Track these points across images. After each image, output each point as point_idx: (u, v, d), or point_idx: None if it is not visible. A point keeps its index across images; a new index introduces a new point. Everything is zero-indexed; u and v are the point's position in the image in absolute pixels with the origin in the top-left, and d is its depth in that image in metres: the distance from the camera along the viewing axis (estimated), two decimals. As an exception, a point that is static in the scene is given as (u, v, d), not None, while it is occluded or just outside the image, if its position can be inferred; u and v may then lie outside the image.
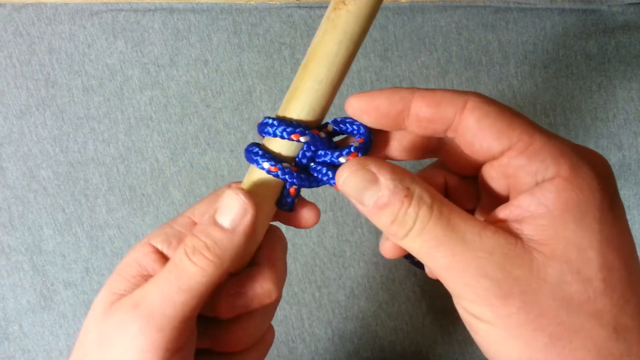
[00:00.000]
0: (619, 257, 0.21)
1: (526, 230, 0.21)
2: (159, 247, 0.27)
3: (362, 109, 0.25)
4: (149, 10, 0.49)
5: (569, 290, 0.21)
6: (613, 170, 0.23)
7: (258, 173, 0.27)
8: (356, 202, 0.23)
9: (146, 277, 0.26)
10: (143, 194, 0.50)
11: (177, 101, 0.50)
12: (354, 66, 0.49)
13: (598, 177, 0.22)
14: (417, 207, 0.22)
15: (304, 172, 0.27)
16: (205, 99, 0.50)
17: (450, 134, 0.24)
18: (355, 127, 0.26)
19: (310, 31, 0.50)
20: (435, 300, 0.49)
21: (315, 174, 0.27)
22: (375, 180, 0.23)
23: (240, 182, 0.28)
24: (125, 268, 0.26)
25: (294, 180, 0.26)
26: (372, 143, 0.26)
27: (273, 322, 0.49)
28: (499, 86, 0.50)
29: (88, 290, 0.50)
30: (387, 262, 0.49)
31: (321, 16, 0.51)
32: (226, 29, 0.50)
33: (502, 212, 0.23)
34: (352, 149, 0.26)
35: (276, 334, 0.49)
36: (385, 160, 0.24)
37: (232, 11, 0.50)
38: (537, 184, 0.22)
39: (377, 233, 0.49)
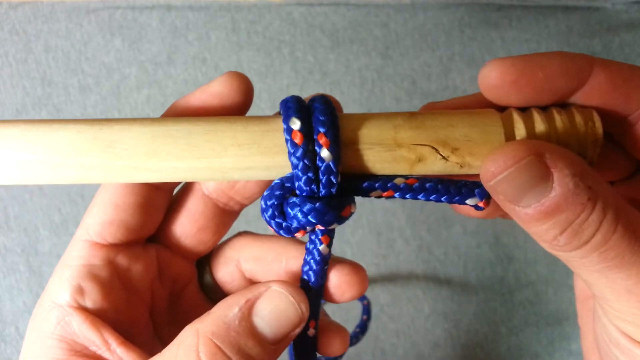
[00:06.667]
0: None
1: None
2: (79, 301, 0.21)
3: (512, 79, 0.19)
4: (147, 7, 0.49)
5: None
6: None
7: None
8: (508, 202, 0.18)
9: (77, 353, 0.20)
10: (141, 194, 0.49)
11: (175, 99, 0.49)
12: (354, 64, 0.49)
13: None
14: (601, 213, 0.17)
15: None
16: (203, 98, 0.49)
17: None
18: None
19: (309, 28, 0.49)
20: (438, 303, 0.48)
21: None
22: (547, 175, 0.17)
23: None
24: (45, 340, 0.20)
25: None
26: None
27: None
28: (502, 85, 0.49)
29: (85, 291, 0.49)
30: (389, 263, 0.48)
31: (321, 13, 0.50)
32: (225, 26, 0.49)
33: None
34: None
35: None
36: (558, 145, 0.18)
37: (230, 8, 0.49)
38: None
39: (378, 234, 0.49)
